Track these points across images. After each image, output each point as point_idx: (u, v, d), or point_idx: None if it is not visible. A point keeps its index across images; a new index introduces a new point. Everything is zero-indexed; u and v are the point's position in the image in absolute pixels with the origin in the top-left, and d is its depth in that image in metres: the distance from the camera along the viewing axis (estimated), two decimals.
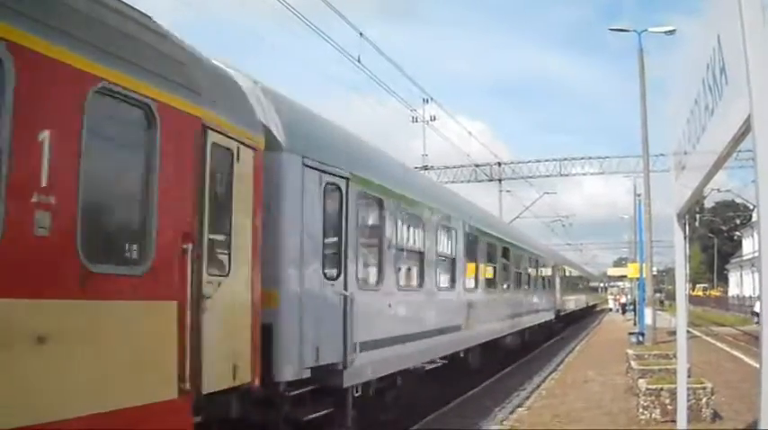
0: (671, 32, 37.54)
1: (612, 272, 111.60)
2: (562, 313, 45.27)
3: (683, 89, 7.79)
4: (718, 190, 72.98)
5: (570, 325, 54.39)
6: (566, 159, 58.65)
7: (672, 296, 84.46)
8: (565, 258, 57.51)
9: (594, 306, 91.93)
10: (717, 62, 5.36)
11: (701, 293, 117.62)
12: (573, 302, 55.34)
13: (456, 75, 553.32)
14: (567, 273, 52.67)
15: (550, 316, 39.13)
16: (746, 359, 26.72)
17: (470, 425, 14.83)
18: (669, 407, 14.11)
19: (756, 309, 42.82)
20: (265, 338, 9.01)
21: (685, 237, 9.94)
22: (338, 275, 10.91)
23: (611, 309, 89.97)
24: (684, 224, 9.66)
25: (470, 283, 20.14)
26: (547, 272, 38.75)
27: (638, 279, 43.02)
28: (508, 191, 62.42)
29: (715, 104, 5.66)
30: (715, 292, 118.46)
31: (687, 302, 10.45)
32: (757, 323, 30.71)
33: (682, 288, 10.28)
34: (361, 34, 29.95)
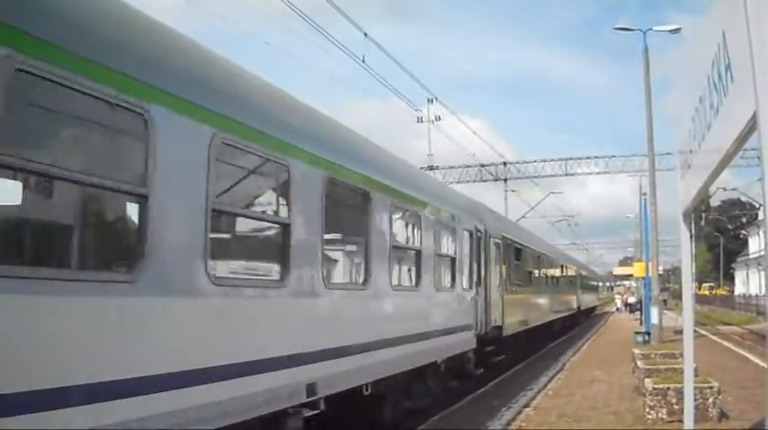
0: (675, 31, 37.56)
1: (618, 271, 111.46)
2: (503, 333, 22.97)
3: (688, 87, 7.77)
4: (724, 188, 73.02)
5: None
6: (571, 159, 58.73)
7: (678, 295, 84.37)
8: (519, 229, 35.01)
9: (592, 310, 78.41)
10: (722, 59, 5.34)
11: (707, 292, 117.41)
12: (534, 311, 31.81)
13: (458, 73, 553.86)
14: (523, 255, 30.53)
15: (429, 354, 15.24)
16: (753, 358, 26.72)
17: (478, 424, 14.82)
18: (676, 406, 14.09)
19: None
20: None
21: (691, 236, 9.93)
22: None
23: (617, 309, 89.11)
24: (690, 223, 9.66)
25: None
26: (451, 245, 17.65)
27: (643, 278, 42.92)
28: (513, 190, 62.45)
29: (720, 102, 5.64)
30: (721, 291, 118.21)
31: (693, 301, 10.43)
32: None
33: (688, 287, 10.26)
34: (365, 35, 30.01)
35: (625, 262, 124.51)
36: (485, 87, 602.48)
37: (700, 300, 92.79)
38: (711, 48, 5.76)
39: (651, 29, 37.39)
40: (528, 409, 16.50)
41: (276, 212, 9.79)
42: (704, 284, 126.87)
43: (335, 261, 12.87)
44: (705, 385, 14.39)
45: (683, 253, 10.20)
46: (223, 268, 8.72)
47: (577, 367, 25.77)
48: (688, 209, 9.15)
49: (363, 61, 29.97)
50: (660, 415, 14.52)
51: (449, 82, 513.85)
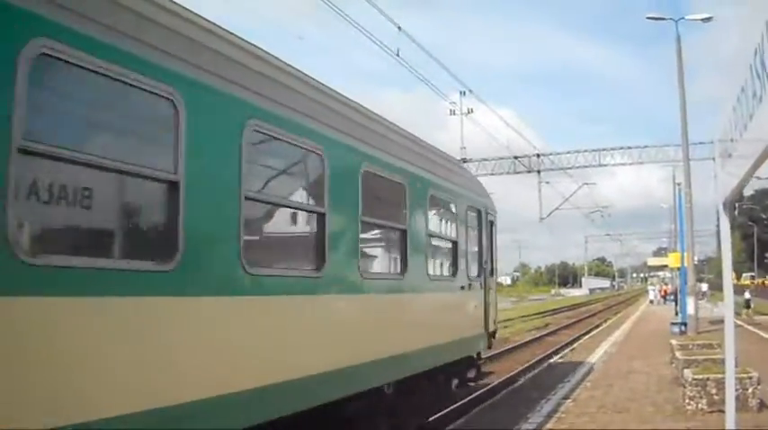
0: (707, 20, 37.42)
1: (652, 261, 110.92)
2: None
3: (728, 75, 7.76)
4: (758, 177, 72.25)
5: None
6: (604, 149, 58.18)
7: (714, 286, 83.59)
8: None
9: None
10: (766, 49, 5.34)
11: (748, 282, 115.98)
12: None
13: (486, 64, 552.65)
14: None
15: None
16: None
17: (519, 416, 14.83)
18: (716, 396, 14.09)
19: None
20: None
21: (732, 227, 9.89)
22: None
23: (651, 301, 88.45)
24: (732, 212, 9.63)
25: None
26: None
27: (679, 269, 42.70)
28: (547, 182, 62.06)
29: (764, 91, 5.64)
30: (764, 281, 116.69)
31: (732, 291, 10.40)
32: None
33: (728, 276, 10.22)
34: (399, 28, 30.19)
35: (659, 253, 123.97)
36: (513, 77, 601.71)
37: (738, 290, 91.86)
38: (754, 36, 5.76)
39: (683, 18, 37.31)
40: (567, 401, 16.54)
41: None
42: (744, 275, 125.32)
43: None
44: (744, 375, 14.36)
45: (723, 242, 10.17)
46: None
47: (614, 358, 25.69)
48: (728, 198, 9.13)
49: (398, 55, 30.20)
50: (700, 405, 14.51)
51: (476, 72, 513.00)
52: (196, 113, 6.92)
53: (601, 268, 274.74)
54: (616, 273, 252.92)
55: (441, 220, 15.02)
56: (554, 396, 17.28)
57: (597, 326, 48.83)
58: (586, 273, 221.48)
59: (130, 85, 6.22)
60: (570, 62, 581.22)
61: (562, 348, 33.01)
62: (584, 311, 78.48)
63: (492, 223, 17.93)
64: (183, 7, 7.41)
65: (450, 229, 15.11)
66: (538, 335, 42.45)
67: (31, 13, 5.43)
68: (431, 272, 13.43)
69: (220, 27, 8.08)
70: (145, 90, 6.38)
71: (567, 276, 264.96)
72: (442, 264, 15.13)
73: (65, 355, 5.52)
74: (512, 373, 23.73)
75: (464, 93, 50.75)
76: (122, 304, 6.15)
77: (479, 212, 16.73)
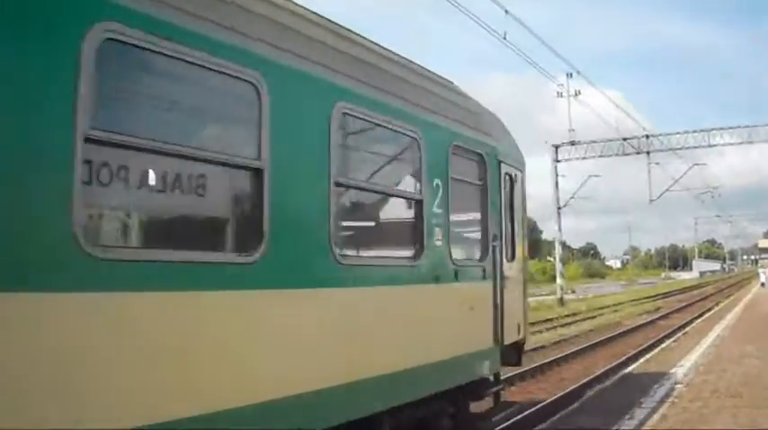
0: None
1: (763, 243, 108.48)
2: None
3: None
4: None
5: None
6: (713, 129, 57.37)
7: None
8: None
9: None
10: None
11: None
12: None
13: (590, 47, 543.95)
14: None
15: None
16: None
17: (633, 401, 15.12)
18: None
19: None
20: None
21: None
22: None
23: (762, 284, 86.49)
24: None
25: None
26: None
27: None
28: (657, 163, 61.38)
29: None
30: None
31: None
32: None
33: None
34: (506, 11, 30.63)
35: None
36: (620, 59, 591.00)
37: None
38: None
39: None
40: (680, 386, 16.67)
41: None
42: None
43: None
44: None
45: None
46: None
47: (727, 342, 25.59)
48: None
49: (505, 38, 30.69)
50: None
51: (583, 54, 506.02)
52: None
53: (711, 250, 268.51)
54: (726, 256, 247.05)
55: (375, 163, 9.83)
56: (667, 380, 17.49)
57: (709, 310, 48.28)
58: (696, 255, 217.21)
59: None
60: (676, 43, 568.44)
61: (674, 332, 32.96)
62: (695, 295, 77.55)
63: (511, 178, 12.52)
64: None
65: (405, 180, 10.24)
66: (649, 319, 42.75)
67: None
68: (339, 252, 7.80)
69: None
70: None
71: (677, 259, 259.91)
72: (380, 240, 10.60)
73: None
74: (623, 358, 23.94)
75: (571, 74, 50.97)
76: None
77: (482, 158, 11.25)
